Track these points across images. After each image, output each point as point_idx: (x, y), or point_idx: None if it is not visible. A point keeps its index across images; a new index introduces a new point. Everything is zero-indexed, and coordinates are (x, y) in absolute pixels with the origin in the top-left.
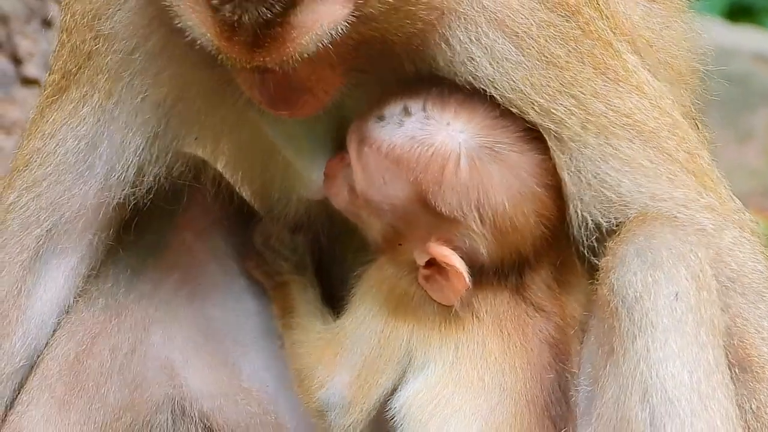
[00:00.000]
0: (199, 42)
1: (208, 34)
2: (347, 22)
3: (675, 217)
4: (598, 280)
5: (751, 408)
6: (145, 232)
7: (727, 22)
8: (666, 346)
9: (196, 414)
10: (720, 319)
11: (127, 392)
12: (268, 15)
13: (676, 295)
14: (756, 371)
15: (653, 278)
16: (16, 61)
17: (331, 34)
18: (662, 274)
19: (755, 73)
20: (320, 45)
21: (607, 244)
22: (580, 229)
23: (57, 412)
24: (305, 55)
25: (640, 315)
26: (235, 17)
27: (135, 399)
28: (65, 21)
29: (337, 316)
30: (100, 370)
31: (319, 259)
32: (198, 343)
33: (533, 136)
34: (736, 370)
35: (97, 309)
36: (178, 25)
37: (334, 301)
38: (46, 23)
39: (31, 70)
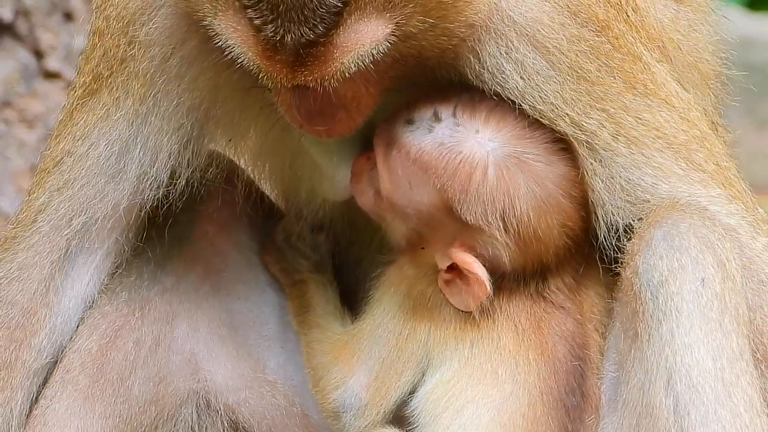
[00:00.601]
0: (239, 60)
1: (250, 53)
2: (388, 42)
3: (706, 208)
4: (622, 263)
5: None
6: (168, 226)
7: (748, 11)
8: (691, 331)
9: (221, 407)
10: (744, 309)
11: (152, 385)
12: (311, 35)
13: (703, 281)
14: None
15: (680, 263)
16: (38, 54)
17: (372, 54)
18: (689, 259)
19: None
20: (361, 64)
21: (634, 227)
22: (608, 233)
23: (81, 405)
24: (346, 74)
25: (665, 299)
26: (278, 37)
27: (159, 392)
28: (98, 24)
29: (354, 317)
30: (124, 363)
31: (337, 259)
32: (222, 336)
33: (560, 146)
34: (763, 367)
35: (120, 302)
36: (216, 42)
37: (351, 302)
38: (68, 17)
39: (53, 63)
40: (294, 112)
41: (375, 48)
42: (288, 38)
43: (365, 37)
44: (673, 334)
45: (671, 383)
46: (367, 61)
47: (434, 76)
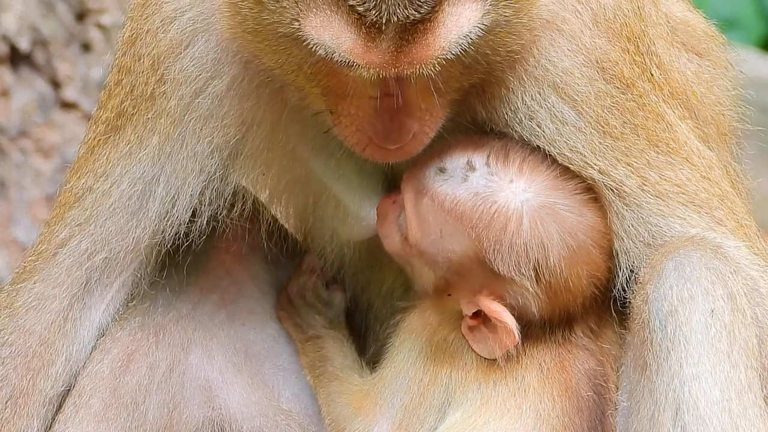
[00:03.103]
0: (330, 57)
1: (347, 47)
2: (480, 27)
3: (720, 245)
4: (634, 292)
5: None
6: (184, 254)
7: (763, 52)
8: (699, 362)
9: None
10: (754, 342)
11: (166, 411)
12: (417, 15)
13: (712, 312)
14: None
15: (689, 293)
16: (56, 84)
17: (469, 38)
18: (699, 290)
19: None
20: (460, 48)
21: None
22: (630, 280)
23: (95, 428)
24: (446, 60)
25: (674, 329)
26: (383, 20)
27: (174, 418)
28: (124, 61)
29: (365, 361)
30: (138, 388)
31: (349, 303)
32: (237, 365)
33: (590, 196)
34: None
35: (133, 327)
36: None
37: (362, 346)
38: (86, 47)
39: (70, 94)
40: (369, 126)
41: (472, 30)
42: (393, 19)
43: (463, 19)
44: (681, 365)
45: (679, 414)
46: (465, 44)
47: (468, 117)
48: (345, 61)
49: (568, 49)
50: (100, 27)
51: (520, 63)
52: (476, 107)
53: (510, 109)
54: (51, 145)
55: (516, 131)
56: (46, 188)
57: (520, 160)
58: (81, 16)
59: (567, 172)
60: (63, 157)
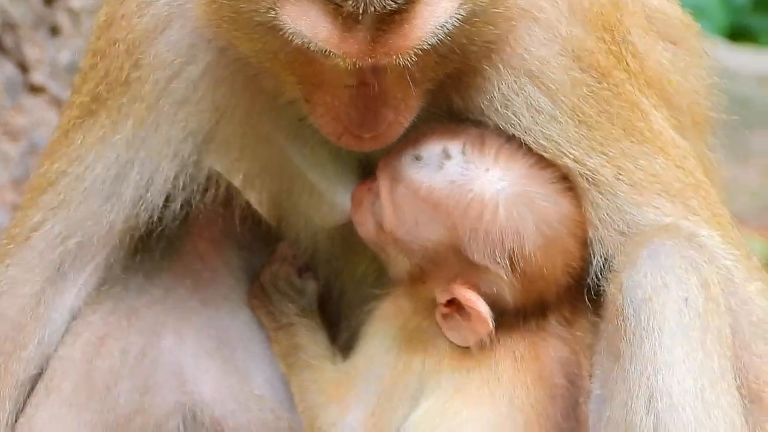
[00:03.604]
0: (306, 46)
1: (323, 36)
2: (456, 16)
3: (695, 234)
4: (608, 280)
5: None
6: (158, 238)
7: (730, 43)
8: (673, 350)
9: (208, 420)
10: (727, 331)
11: (138, 396)
12: (394, 5)
13: (686, 300)
14: (765, 405)
15: (664, 281)
16: (24, 68)
17: (446, 28)
18: (673, 279)
19: (757, 95)
20: (437, 38)
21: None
22: (604, 268)
23: (66, 412)
24: (422, 50)
25: (647, 316)
26: (360, 10)
27: (146, 403)
28: (99, 45)
29: (338, 349)
30: (110, 372)
31: (322, 290)
32: (209, 350)
33: (566, 186)
34: (747, 402)
35: (105, 311)
36: (254, 42)
37: (334, 333)
38: (54, 31)
39: (38, 77)
40: (344, 115)
41: (448, 21)
42: (370, 9)
43: (440, 9)
44: (655, 353)
45: (652, 402)
46: (441, 34)
47: (444, 104)
48: (321, 51)
49: (545, 38)
50: (69, 11)
51: (496, 52)
52: (452, 96)
53: (486, 98)
54: (19, 128)
55: (492, 120)
56: (13, 172)
57: (496, 149)
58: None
59: (543, 161)
60: (31, 141)
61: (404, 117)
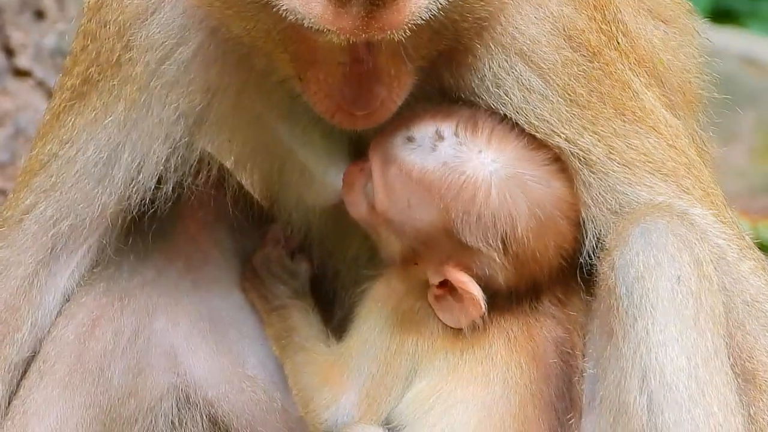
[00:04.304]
0: (300, 23)
1: (316, 11)
2: None
3: (686, 212)
4: (600, 259)
5: (749, 413)
6: (150, 220)
7: (713, 23)
8: (666, 329)
9: (201, 401)
10: (720, 309)
11: (131, 377)
12: None
13: (678, 278)
14: (759, 384)
15: (656, 259)
16: (9, 52)
17: (439, 3)
18: (665, 257)
19: (740, 75)
20: (430, 13)
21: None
22: (596, 248)
23: (60, 393)
24: (416, 25)
25: (640, 295)
26: None
27: (139, 384)
28: (90, 26)
29: (332, 330)
30: (103, 353)
31: (315, 270)
32: (202, 331)
33: (558, 167)
34: (740, 381)
35: (98, 293)
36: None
37: (329, 314)
38: (39, 15)
39: (23, 61)
40: (338, 92)
41: None
42: None
43: None
44: (647, 332)
45: (646, 381)
46: (434, 9)
47: (436, 84)
48: (315, 27)
49: (536, 17)
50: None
51: (487, 30)
52: (443, 76)
53: (477, 77)
54: (4, 112)
55: (483, 99)
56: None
57: (488, 130)
58: None
59: (535, 142)
60: (16, 125)
61: (397, 95)
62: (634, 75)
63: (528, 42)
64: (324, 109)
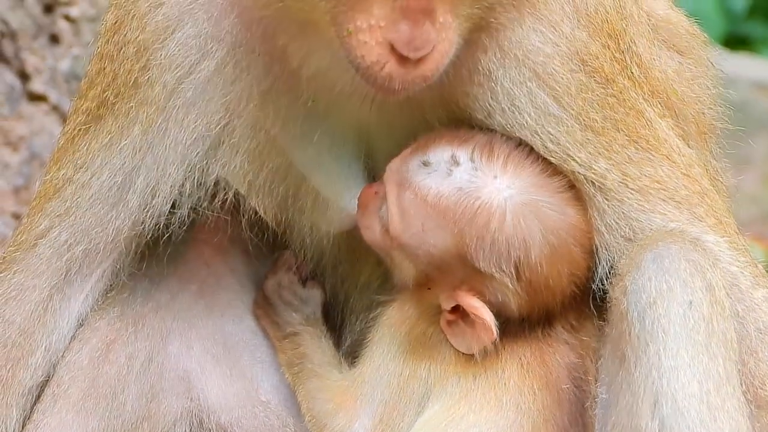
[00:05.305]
0: None
1: None
2: None
3: (698, 238)
4: (612, 284)
5: None
6: (164, 245)
7: (726, 50)
8: (678, 354)
9: (214, 426)
10: (732, 334)
11: (145, 402)
12: None
13: (690, 303)
14: None
15: (668, 285)
16: (24, 77)
17: None
18: (678, 282)
19: (754, 101)
20: None
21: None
22: (609, 275)
23: (74, 418)
24: None
25: (652, 321)
26: None
27: (152, 409)
28: (107, 49)
29: (342, 354)
30: (117, 378)
31: (326, 296)
32: (216, 356)
33: (572, 195)
34: (753, 407)
35: (112, 317)
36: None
37: (339, 339)
38: (54, 39)
39: (38, 86)
40: (393, 32)
41: None
42: None
43: None
44: (659, 357)
45: (657, 406)
46: None
47: (456, 107)
48: None
49: (550, 36)
50: (69, 19)
51: (503, 40)
52: (458, 97)
53: (491, 96)
54: (19, 137)
55: (497, 121)
56: (13, 180)
57: (504, 156)
58: (49, 8)
59: (551, 169)
60: (31, 150)
61: (445, 48)
62: (647, 104)
63: (542, 61)
64: (374, 60)
